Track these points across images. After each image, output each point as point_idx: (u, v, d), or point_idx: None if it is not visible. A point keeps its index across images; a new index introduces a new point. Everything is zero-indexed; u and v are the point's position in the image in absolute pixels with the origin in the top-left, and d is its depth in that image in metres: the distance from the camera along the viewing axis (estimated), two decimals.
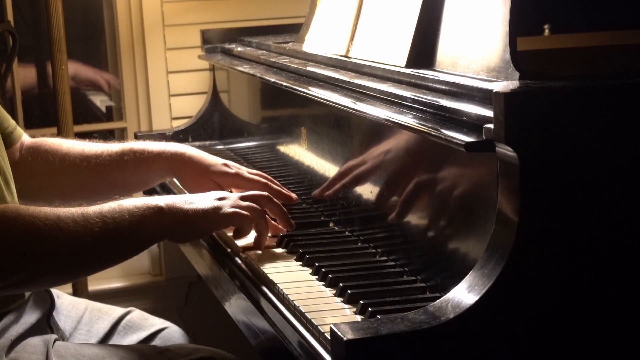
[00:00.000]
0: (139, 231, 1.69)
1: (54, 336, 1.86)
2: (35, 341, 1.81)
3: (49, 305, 1.93)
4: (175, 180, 2.30)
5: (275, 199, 1.88)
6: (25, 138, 2.09)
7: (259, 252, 1.83)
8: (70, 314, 2.02)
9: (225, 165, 2.07)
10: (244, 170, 2.06)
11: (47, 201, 1.78)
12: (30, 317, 1.86)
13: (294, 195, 2.03)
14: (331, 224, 1.98)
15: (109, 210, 1.66)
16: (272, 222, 1.89)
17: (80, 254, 1.64)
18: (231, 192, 1.95)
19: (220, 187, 2.02)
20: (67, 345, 1.85)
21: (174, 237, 1.78)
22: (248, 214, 1.79)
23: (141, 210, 1.69)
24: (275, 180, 2.05)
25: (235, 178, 2.03)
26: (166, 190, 2.48)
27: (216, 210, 1.77)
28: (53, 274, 1.66)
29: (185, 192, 2.15)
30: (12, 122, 2.05)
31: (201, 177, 2.05)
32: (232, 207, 1.78)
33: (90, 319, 2.05)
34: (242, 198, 1.83)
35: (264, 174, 2.07)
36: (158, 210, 1.70)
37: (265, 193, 1.89)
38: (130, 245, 1.71)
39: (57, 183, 2.07)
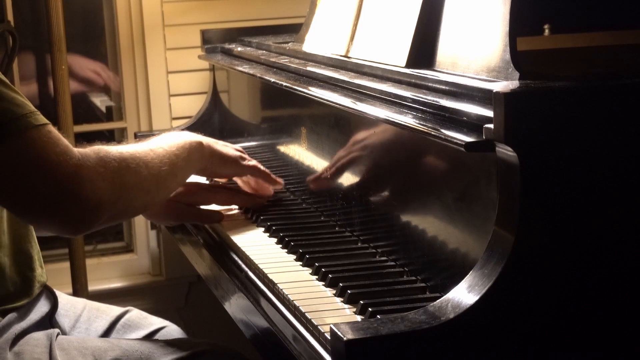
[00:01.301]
0: (188, 165, 1.90)
1: (57, 330, 1.88)
2: (39, 335, 1.83)
3: (52, 303, 1.95)
4: None
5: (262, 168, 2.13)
6: None
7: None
8: (68, 313, 2.02)
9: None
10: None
11: None
12: (34, 315, 1.88)
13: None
14: (331, 224, 1.98)
15: (170, 146, 1.84)
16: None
17: (156, 185, 1.79)
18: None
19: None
20: (70, 339, 1.87)
21: (207, 170, 2.02)
22: (265, 170, 2.10)
23: (188, 145, 1.90)
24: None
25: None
26: None
27: (242, 159, 2.06)
28: (139, 204, 1.79)
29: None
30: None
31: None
32: (251, 161, 2.08)
33: (88, 317, 2.05)
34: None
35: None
36: (200, 145, 1.94)
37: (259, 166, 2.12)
38: (182, 177, 1.91)
39: None
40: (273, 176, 2.13)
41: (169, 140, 1.87)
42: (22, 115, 1.58)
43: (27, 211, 1.63)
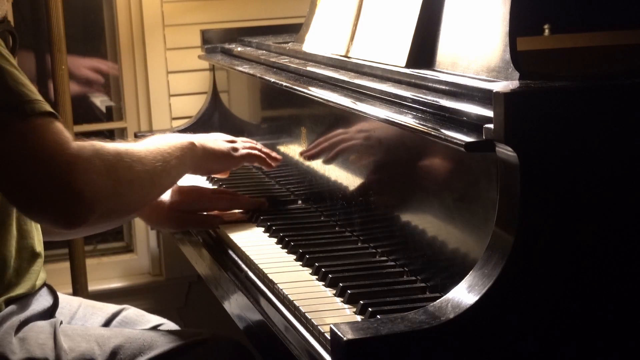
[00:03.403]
0: (181, 164, 1.90)
1: (60, 319, 1.89)
2: (42, 323, 1.86)
3: (54, 299, 1.96)
4: None
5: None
6: None
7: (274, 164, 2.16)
8: (63, 311, 2.03)
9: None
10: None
11: None
12: (37, 306, 1.89)
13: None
14: (331, 224, 1.98)
15: (163, 146, 1.85)
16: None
17: (150, 182, 1.80)
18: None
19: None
20: (74, 327, 1.89)
21: (201, 169, 2.04)
22: (259, 153, 2.13)
23: (180, 145, 1.91)
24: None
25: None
26: None
27: (234, 150, 2.08)
28: (133, 200, 1.79)
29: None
30: None
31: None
32: (244, 149, 2.11)
33: (84, 314, 2.06)
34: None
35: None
36: (192, 147, 1.95)
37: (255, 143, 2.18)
38: (175, 175, 1.91)
39: None
40: (271, 155, 2.17)
41: (162, 141, 1.88)
42: (30, 100, 1.59)
43: (21, 198, 1.63)
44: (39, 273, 1.93)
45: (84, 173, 1.60)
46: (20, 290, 1.87)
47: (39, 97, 1.62)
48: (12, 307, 1.84)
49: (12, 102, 1.58)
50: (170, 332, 1.92)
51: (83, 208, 1.61)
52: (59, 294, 2.08)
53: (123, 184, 1.70)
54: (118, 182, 1.68)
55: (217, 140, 2.06)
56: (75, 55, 3.16)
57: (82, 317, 2.06)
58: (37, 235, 1.94)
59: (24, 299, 1.88)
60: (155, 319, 2.11)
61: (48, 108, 1.62)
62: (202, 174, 2.22)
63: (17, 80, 1.60)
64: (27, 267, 1.90)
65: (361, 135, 1.87)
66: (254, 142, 2.19)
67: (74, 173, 1.59)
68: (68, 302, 2.08)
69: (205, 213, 2.10)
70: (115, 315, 2.08)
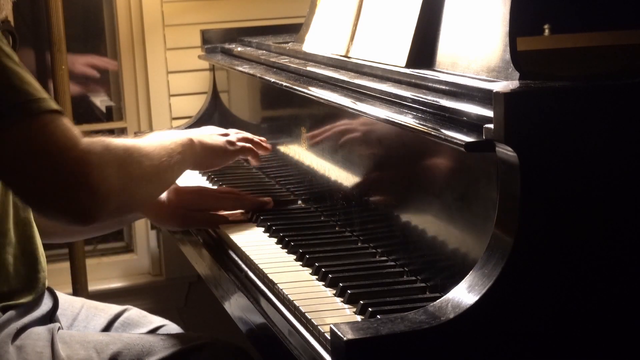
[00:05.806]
0: (182, 161, 1.91)
1: (57, 324, 1.88)
2: (40, 330, 1.84)
3: (53, 303, 1.95)
4: None
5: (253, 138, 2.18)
6: None
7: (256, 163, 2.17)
8: (65, 312, 2.03)
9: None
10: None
11: None
12: (36, 313, 1.88)
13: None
14: (331, 224, 1.98)
15: (164, 142, 1.86)
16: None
17: (156, 177, 1.81)
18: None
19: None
20: (72, 333, 1.88)
21: (200, 166, 2.08)
22: (253, 147, 2.13)
23: (180, 141, 1.91)
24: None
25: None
26: None
27: (230, 144, 2.08)
28: (142, 196, 1.79)
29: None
30: None
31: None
32: (239, 142, 2.11)
33: (86, 316, 2.06)
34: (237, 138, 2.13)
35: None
36: (190, 143, 1.95)
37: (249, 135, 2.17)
38: (177, 171, 1.92)
39: None
40: (262, 144, 2.18)
41: (164, 137, 1.88)
42: (36, 98, 1.57)
43: (34, 198, 1.61)
44: (42, 279, 1.92)
45: (96, 168, 1.58)
46: (20, 298, 1.86)
47: (44, 94, 1.60)
48: (10, 314, 1.82)
49: (18, 102, 1.56)
50: (170, 336, 1.91)
51: (97, 203, 1.59)
52: (61, 295, 2.08)
53: (133, 179, 1.69)
54: (128, 177, 1.68)
55: (212, 135, 2.08)
56: (71, 53, 3.16)
57: (85, 318, 2.05)
58: (38, 241, 1.93)
59: (23, 307, 1.86)
60: (157, 320, 2.10)
61: (55, 106, 1.60)
62: (200, 170, 2.31)
63: (22, 79, 1.59)
64: (30, 274, 1.90)
65: (361, 135, 1.87)
66: (245, 133, 2.20)
67: (86, 169, 1.57)
68: (70, 303, 2.07)
69: (210, 212, 2.10)
70: (117, 316, 2.07)
